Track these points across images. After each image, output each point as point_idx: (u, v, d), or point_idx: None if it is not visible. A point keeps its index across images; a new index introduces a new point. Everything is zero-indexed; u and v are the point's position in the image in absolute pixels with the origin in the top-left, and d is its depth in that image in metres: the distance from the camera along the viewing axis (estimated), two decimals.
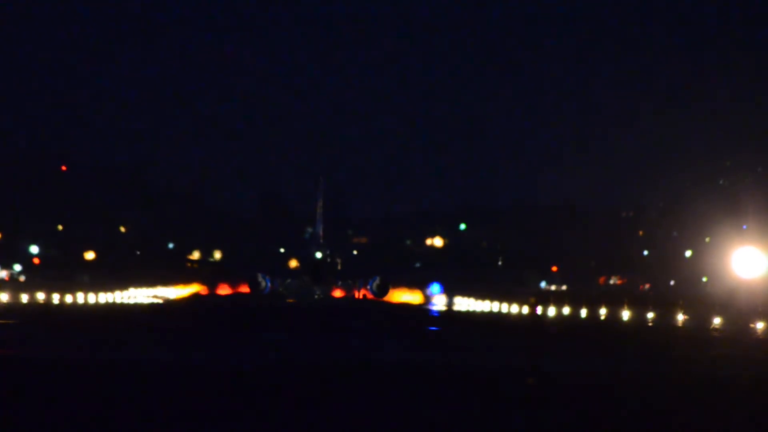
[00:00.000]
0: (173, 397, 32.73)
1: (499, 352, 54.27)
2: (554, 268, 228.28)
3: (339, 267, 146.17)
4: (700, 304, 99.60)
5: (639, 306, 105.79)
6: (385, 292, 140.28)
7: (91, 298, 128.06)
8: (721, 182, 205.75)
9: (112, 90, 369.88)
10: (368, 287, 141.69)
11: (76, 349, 50.41)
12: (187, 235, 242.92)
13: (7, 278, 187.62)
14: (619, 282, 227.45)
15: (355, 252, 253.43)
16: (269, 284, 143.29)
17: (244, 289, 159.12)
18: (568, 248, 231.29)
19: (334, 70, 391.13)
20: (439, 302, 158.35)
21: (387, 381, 38.31)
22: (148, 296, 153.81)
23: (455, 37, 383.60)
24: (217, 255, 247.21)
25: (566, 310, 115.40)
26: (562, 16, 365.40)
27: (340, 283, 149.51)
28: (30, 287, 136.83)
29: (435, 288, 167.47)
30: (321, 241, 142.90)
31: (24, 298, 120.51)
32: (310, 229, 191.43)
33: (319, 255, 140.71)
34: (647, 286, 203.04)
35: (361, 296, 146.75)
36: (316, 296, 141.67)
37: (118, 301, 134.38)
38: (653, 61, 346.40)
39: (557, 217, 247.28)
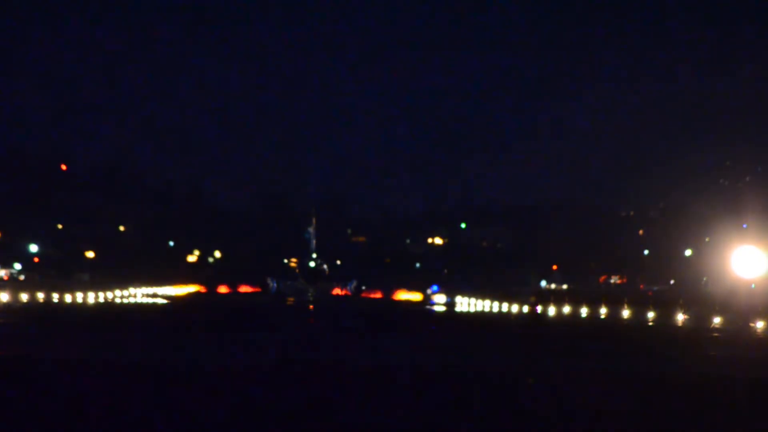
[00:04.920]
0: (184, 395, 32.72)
1: (495, 348, 54.33)
2: (554, 268, 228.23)
3: (327, 272, 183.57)
4: (700, 303, 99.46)
5: (639, 305, 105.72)
6: (360, 292, 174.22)
7: (91, 297, 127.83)
8: (721, 182, 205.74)
9: (112, 90, 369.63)
10: (348, 287, 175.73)
11: (77, 348, 50.39)
12: (187, 235, 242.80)
13: (6, 277, 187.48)
14: (619, 281, 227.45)
15: (353, 252, 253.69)
16: (275, 285, 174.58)
17: (246, 288, 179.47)
18: (568, 248, 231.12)
19: (335, 70, 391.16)
20: (439, 301, 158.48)
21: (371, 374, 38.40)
22: (148, 295, 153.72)
23: (455, 38, 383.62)
24: (217, 254, 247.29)
25: (566, 309, 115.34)
26: (564, 15, 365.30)
27: (341, 283, 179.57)
28: (30, 286, 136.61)
29: (435, 287, 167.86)
30: (314, 254, 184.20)
31: (24, 297, 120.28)
32: (310, 229, 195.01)
33: (312, 264, 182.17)
34: (642, 286, 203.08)
35: (363, 295, 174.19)
36: (309, 294, 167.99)
37: (118, 300, 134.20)
38: (654, 62, 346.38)
39: (557, 217, 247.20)
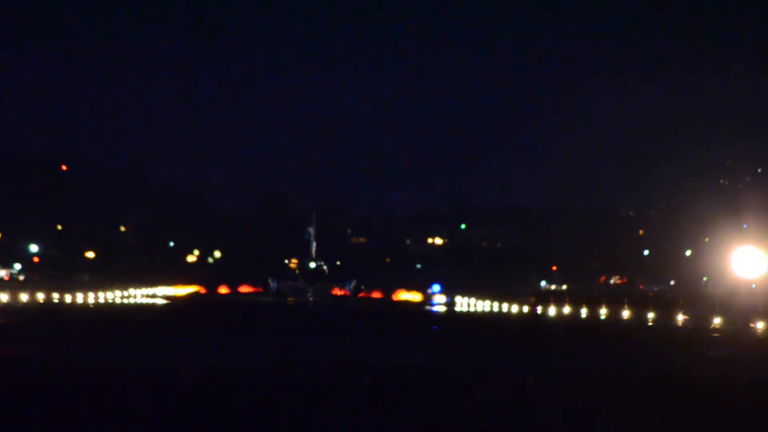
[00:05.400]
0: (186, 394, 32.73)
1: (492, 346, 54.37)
2: (554, 268, 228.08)
3: (327, 273, 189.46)
4: (700, 304, 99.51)
5: (639, 305, 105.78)
6: (359, 292, 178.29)
7: (91, 297, 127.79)
8: (721, 182, 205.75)
9: (112, 90, 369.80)
10: (347, 287, 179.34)
11: (77, 349, 50.40)
12: (187, 235, 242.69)
13: (6, 278, 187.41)
14: (619, 282, 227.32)
15: (354, 252, 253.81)
16: (275, 285, 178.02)
17: (246, 288, 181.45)
18: (568, 248, 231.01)
19: (335, 70, 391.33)
20: (439, 301, 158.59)
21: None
22: (148, 295, 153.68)
23: (454, 37, 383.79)
24: (217, 255, 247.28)
25: (566, 310, 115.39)
26: (565, 17, 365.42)
27: (340, 284, 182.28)
28: (30, 286, 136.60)
29: (435, 287, 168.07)
30: (314, 255, 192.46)
31: (24, 297, 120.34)
32: (310, 229, 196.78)
33: (312, 265, 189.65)
34: (641, 287, 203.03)
35: (361, 295, 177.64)
36: (309, 294, 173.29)
37: (118, 300, 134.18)
38: (653, 62, 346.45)
39: (557, 217, 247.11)
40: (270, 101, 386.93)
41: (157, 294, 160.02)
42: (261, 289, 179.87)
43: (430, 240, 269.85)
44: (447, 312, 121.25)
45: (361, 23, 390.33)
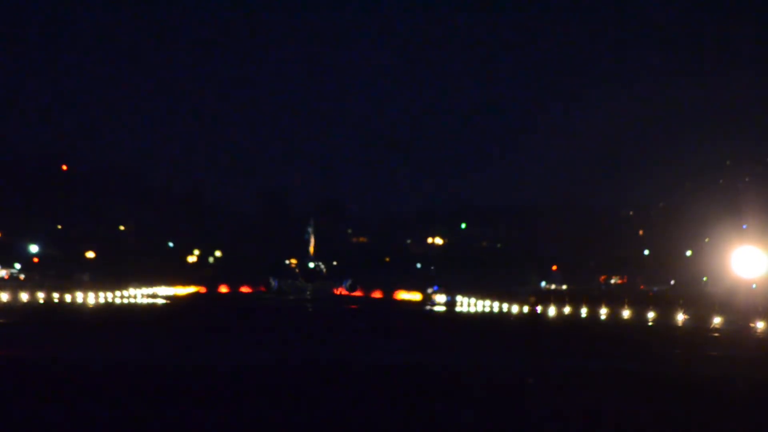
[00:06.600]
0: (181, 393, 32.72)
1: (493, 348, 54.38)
2: (554, 268, 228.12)
3: (325, 272, 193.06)
4: (700, 304, 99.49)
5: (639, 305, 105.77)
6: (354, 290, 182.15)
7: (91, 297, 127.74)
8: (721, 182, 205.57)
9: (111, 89, 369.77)
10: (344, 286, 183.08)
11: (77, 348, 50.40)
12: (187, 235, 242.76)
13: (6, 277, 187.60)
14: (619, 281, 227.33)
15: (354, 252, 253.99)
16: (276, 284, 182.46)
17: (246, 288, 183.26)
18: (568, 248, 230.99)
19: (334, 69, 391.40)
20: (439, 301, 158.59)
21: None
22: (148, 295, 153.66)
23: (455, 38, 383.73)
24: (218, 254, 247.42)
25: (566, 310, 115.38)
26: (564, 15, 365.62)
27: (337, 283, 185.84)
28: (30, 286, 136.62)
29: (435, 287, 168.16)
30: (312, 254, 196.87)
31: (24, 297, 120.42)
32: (310, 228, 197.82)
33: (311, 265, 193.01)
34: (642, 287, 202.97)
35: (357, 294, 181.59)
36: (308, 293, 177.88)
37: (118, 300, 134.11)
38: (653, 61, 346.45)
39: (557, 217, 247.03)
40: (270, 101, 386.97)
41: (158, 294, 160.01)
42: (263, 288, 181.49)
43: (430, 240, 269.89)
44: (447, 312, 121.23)
45: (361, 22, 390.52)
